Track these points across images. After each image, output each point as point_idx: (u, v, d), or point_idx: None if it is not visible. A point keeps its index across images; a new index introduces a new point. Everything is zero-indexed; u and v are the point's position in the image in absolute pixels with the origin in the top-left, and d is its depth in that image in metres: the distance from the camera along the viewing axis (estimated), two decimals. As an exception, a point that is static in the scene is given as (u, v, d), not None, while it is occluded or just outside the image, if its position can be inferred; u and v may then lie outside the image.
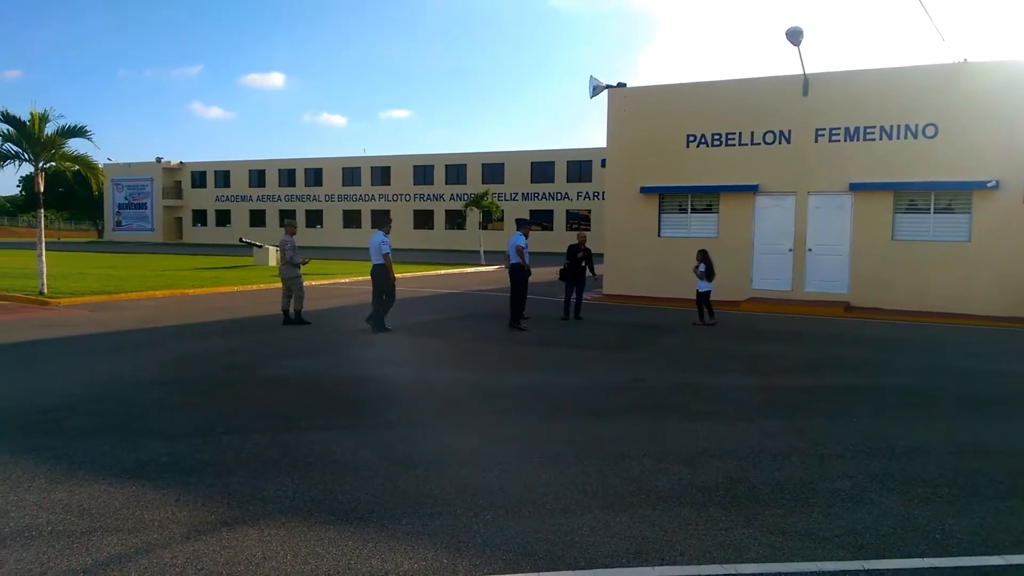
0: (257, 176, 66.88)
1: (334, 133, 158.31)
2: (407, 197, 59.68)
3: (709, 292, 14.64)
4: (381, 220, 14.10)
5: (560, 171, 54.29)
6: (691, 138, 19.10)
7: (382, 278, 12.96)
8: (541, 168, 54.98)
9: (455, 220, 55.30)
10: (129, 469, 5.39)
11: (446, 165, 58.38)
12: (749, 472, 5.54)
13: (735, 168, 18.60)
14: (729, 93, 18.96)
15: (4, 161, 17.70)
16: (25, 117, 17.42)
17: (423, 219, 58.96)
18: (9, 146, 17.69)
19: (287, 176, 65.61)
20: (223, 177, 68.22)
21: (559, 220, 53.74)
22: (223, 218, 67.95)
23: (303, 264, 13.88)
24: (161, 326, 13.34)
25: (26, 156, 17.73)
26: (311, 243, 54.00)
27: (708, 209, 19.26)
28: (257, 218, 66.36)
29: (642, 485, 5.22)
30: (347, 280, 24.23)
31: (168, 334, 12.40)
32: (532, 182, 55.14)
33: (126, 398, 7.57)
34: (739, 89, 18.88)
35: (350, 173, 62.60)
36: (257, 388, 8.24)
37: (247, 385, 8.37)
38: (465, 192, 52.19)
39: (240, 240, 41.51)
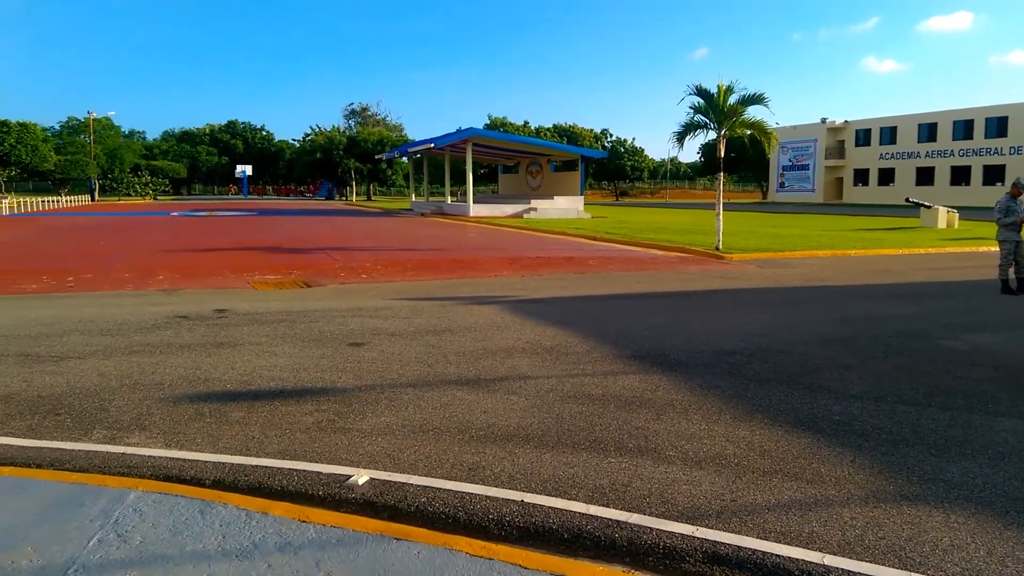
0: (927, 130, 61.74)
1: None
2: None
3: None
4: None
5: None
6: None
7: None
8: None
9: None
10: (804, 420, 5.56)
11: None
12: None
13: None
14: None
15: (695, 131, 20.26)
16: (712, 91, 19.55)
17: None
18: (699, 117, 20.11)
19: (962, 128, 58.76)
20: (888, 134, 65.07)
21: None
22: (886, 177, 65.04)
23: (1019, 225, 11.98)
24: (824, 285, 13.50)
25: (711, 125, 19.94)
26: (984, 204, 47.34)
27: None
28: (924, 176, 61.51)
29: None
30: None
31: (832, 293, 12.46)
32: None
33: (797, 351, 7.85)
34: None
35: (1047, 119, 52.48)
36: (933, 359, 7.58)
37: (921, 355, 7.77)
38: None
39: (906, 200, 39.04)
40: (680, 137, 20.40)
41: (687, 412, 5.75)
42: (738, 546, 3.62)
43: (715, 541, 3.67)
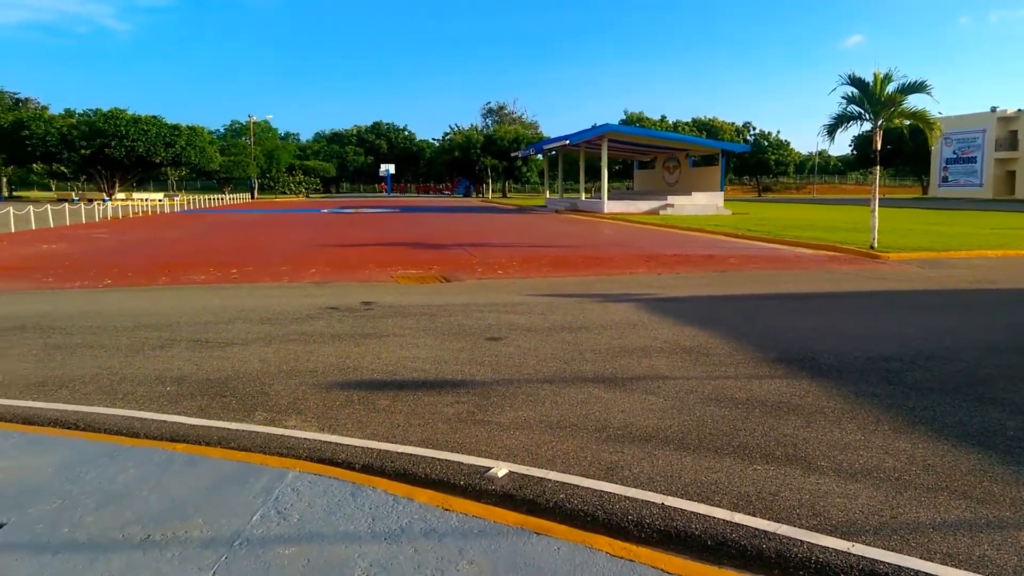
0: (1119, 117, 55.20)
1: None
2: None
3: None
4: None
5: None
6: None
7: None
8: None
9: None
10: (972, 435, 5.11)
11: None
12: None
13: None
14: None
15: (848, 122, 19.13)
16: (867, 80, 18.35)
17: None
18: (852, 107, 18.97)
19: None
20: (1071, 122, 58.70)
21: None
22: (1066, 170, 58.77)
23: None
24: (995, 288, 12.37)
25: (867, 116, 18.74)
26: None
27: None
28: (1114, 168, 55.08)
29: None
30: None
31: (1004, 297, 11.41)
32: None
33: (964, 359, 7.23)
34: None
35: None
36: None
37: (1112, 367, 6.96)
38: None
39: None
40: (831, 129, 19.38)
41: (840, 420, 5.44)
42: (899, 566, 3.37)
43: (873, 559, 3.44)
